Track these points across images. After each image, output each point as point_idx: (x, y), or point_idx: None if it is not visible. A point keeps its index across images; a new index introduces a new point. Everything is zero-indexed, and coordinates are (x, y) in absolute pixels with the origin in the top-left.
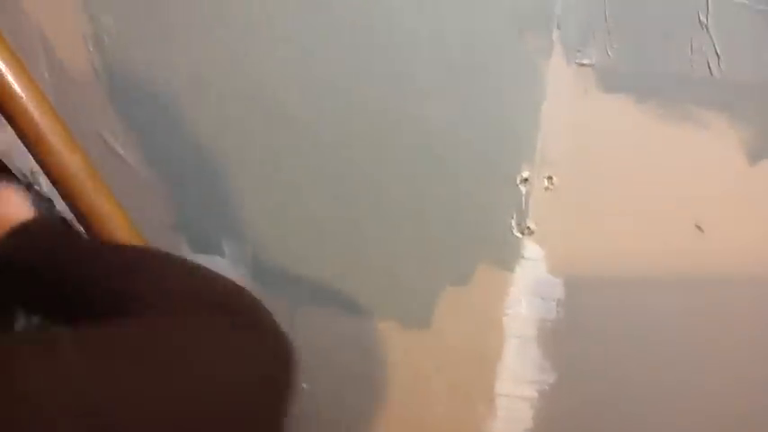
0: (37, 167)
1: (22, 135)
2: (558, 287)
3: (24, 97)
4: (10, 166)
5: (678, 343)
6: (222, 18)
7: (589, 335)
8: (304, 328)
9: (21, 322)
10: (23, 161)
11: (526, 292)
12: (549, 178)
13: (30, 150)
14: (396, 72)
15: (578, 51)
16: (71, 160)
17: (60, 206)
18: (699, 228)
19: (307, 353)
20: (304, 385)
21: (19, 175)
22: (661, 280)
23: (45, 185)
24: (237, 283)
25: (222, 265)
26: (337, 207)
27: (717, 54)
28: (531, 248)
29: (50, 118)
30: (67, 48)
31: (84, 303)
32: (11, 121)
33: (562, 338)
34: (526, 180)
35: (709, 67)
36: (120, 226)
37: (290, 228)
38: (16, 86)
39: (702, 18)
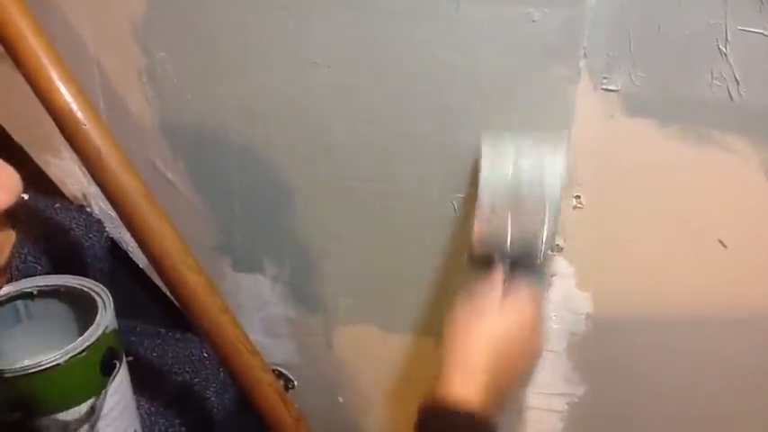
0: (89, 191)
1: (84, 157)
2: (587, 301)
3: (87, 124)
4: (64, 190)
5: (703, 353)
6: (270, 52)
7: (617, 347)
8: (339, 346)
9: None
10: (77, 186)
11: (556, 306)
12: (578, 197)
13: (90, 171)
14: (433, 102)
15: (604, 78)
16: (127, 180)
17: (110, 227)
18: (721, 243)
19: (342, 369)
20: (340, 399)
21: (72, 199)
22: (685, 292)
23: (96, 209)
24: None
25: (263, 283)
26: (376, 230)
27: (736, 80)
28: (560, 265)
29: (110, 142)
30: (122, 78)
31: None
32: (74, 144)
33: (591, 351)
34: None
35: (729, 93)
36: (171, 242)
37: (327, 248)
38: (80, 115)
39: (722, 47)
